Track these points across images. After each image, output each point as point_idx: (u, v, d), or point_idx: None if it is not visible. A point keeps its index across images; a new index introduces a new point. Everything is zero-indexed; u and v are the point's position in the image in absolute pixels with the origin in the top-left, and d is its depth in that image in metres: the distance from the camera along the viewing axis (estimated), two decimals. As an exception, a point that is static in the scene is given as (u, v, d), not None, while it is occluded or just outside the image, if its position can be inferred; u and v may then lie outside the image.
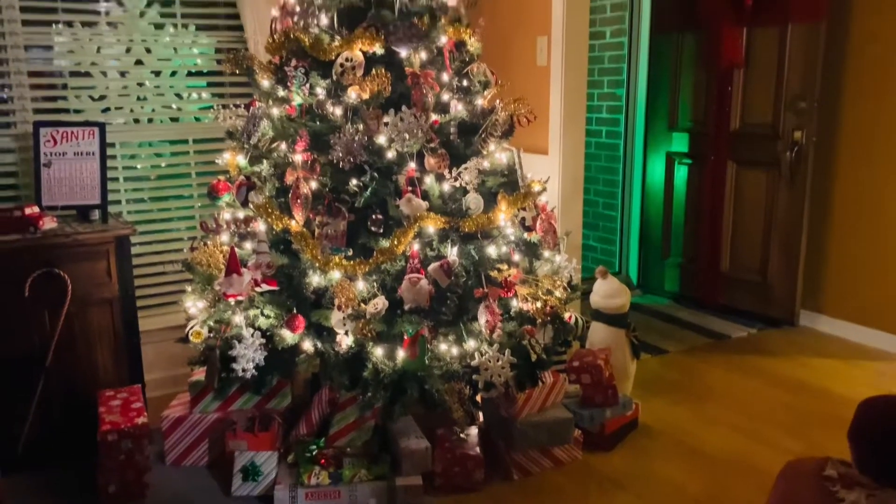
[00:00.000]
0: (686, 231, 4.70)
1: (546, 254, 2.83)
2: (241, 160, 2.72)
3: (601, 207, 5.27)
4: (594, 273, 3.25)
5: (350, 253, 2.47)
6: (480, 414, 2.81)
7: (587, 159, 3.67)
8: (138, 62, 3.27)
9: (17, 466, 2.65)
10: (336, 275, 2.43)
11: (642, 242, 5.03)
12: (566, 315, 2.82)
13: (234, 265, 2.48)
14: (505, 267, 2.57)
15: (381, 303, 2.41)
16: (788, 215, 4.15)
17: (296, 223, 2.48)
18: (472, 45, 2.82)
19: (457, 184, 2.57)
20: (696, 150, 4.58)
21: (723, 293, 4.51)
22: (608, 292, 3.21)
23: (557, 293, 2.71)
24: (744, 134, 4.31)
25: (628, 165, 5.05)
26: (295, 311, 2.48)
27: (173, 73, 3.36)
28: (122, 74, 3.25)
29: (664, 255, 4.83)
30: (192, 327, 2.62)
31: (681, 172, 4.70)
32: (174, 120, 3.41)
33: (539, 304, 2.65)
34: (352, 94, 2.51)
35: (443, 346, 2.47)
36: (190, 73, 3.41)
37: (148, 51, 3.28)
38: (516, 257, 2.71)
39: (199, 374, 2.72)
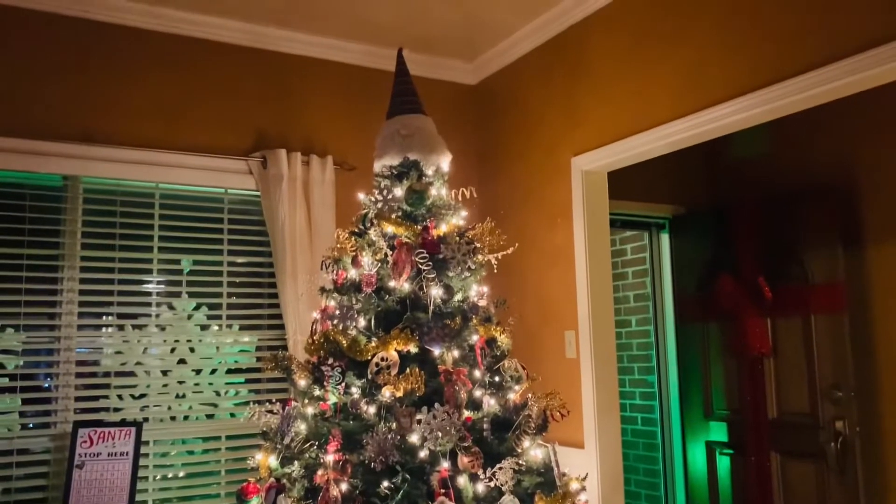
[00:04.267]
0: (736, 527, 4.39)
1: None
2: (273, 461, 2.69)
3: (643, 500, 5.00)
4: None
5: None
6: None
7: (624, 447, 3.58)
8: (181, 361, 3.40)
9: None
10: None
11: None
12: None
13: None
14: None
15: None
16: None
17: None
18: (503, 341, 2.90)
19: (491, 484, 2.49)
20: (735, 439, 4.45)
21: None
22: None
23: None
24: (783, 423, 4.21)
25: (667, 453, 4.88)
26: None
27: (213, 371, 3.47)
28: (164, 373, 3.37)
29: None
30: None
31: (723, 463, 4.51)
32: (209, 416, 3.45)
33: None
34: (386, 393, 2.54)
35: None
36: (229, 370, 3.53)
37: (192, 350, 3.43)
38: (557, 565, 2.52)
39: None
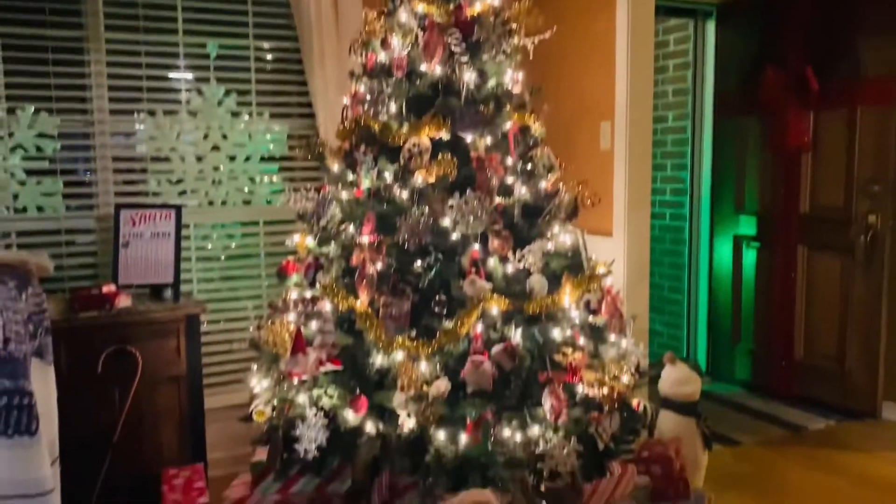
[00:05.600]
0: (756, 316, 4.55)
1: (612, 338, 2.76)
2: (310, 241, 2.78)
3: (667, 291, 5.17)
4: (662, 359, 3.15)
5: (413, 334, 2.47)
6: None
7: (651, 242, 3.63)
8: (215, 148, 3.42)
9: (80, 543, 2.66)
10: (399, 355, 2.42)
11: (711, 327, 4.89)
12: (634, 402, 2.73)
13: (299, 344, 2.50)
14: (570, 350, 2.52)
15: (443, 385, 2.37)
16: (865, 302, 3.98)
17: (360, 303, 2.49)
18: (536, 129, 2.86)
19: (521, 265, 2.56)
20: (764, 233, 4.49)
21: (798, 382, 4.32)
22: (678, 379, 3.10)
23: (625, 379, 2.63)
24: (814, 217, 4.21)
25: (694, 248, 4.97)
26: (358, 391, 2.47)
27: (247, 159, 3.50)
28: (199, 159, 3.40)
29: (734, 342, 4.68)
30: (255, 406, 2.63)
31: (749, 256, 4.59)
32: (246, 203, 3.53)
33: (605, 391, 2.57)
34: (418, 178, 2.56)
35: (506, 432, 2.41)
36: (263, 159, 3.55)
37: (224, 137, 3.43)
38: (581, 341, 2.66)
39: (261, 454, 2.72)
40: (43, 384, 1.63)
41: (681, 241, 5.03)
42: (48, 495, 1.56)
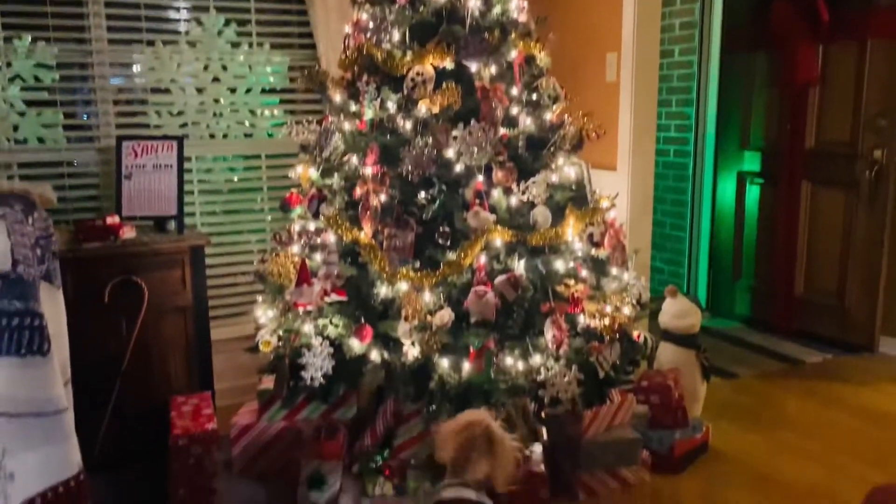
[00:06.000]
0: (758, 252, 4.57)
1: (614, 271, 2.78)
2: (314, 173, 2.77)
3: (669, 228, 5.16)
4: (663, 293, 3.18)
5: (417, 265, 2.48)
6: (545, 431, 2.76)
7: (655, 178, 3.62)
8: (215, 79, 3.38)
9: (92, 467, 2.72)
10: (403, 286, 2.44)
11: (712, 264, 4.91)
12: (635, 333, 2.77)
13: (304, 276, 2.53)
14: (572, 282, 2.54)
15: (447, 315, 2.40)
16: (867, 237, 3.99)
17: (364, 235, 2.50)
18: (542, 59, 2.82)
19: (524, 197, 2.56)
20: (768, 169, 4.47)
21: (797, 317, 4.36)
22: (678, 312, 3.14)
23: (626, 310, 2.66)
24: (819, 153, 4.18)
25: (697, 185, 4.95)
26: (363, 321, 2.50)
27: (248, 91, 3.46)
28: (199, 91, 3.36)
29: (735, 277, 4.71)
30: (261, 336, 2.67)
31: (753, 192, 4.58)
32: (248, 136, 3.51)
33: (606, 321, 2.60)
34: (422, 108, 2.53)
35: (508, 360, 2.45)
36: (264, 91, 3.51)
37: (224, 68, 3.39)
38: (584, 273, 2.67)
39: (268, 382, 2.77)
40: (52, 307, 1.64)
41: (684, 177, 5.00)
42: (62, 414, 1.60)
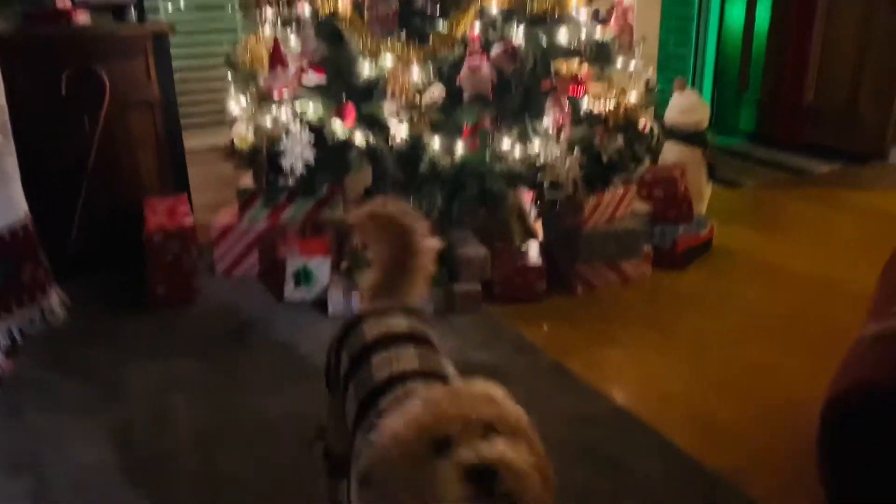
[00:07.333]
0: (767, 65, 4.30)
1: (620, 59, 2.54)
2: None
3: (672, 45, 4.84)
4: (672, 87, 2.96)
5: (403, 37, 2.23)
6: (540, 231, 2.61)
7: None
8: None
9: (67, 273, 2.59)
10: (388, 61, 2.20)
11: (717, 79, 4.64)
12: (641, 122, 2.56)
13: (278, 57, 2.28)
14: (576, 61, 2.30)
15: (437, 91, 2.18)
16: (886, 37, 3.72)
17: (342, 5, 2.23)
18: None
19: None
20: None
21: (804, 129, 4.16)
22: (685, 107, 2.93)
23: (632, 96, 2.45)
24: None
25: (704, 4, 4.59)
26: (344, 101, 2.28)
27: None
28: None
29: (741, 88, 4.45)
30: (236, 133, 2.46)
31: (763, 12, 4.24)
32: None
33: (612, 105, 2.39)
34: None
35: (505, 144, 2.25)
36: None
37: None
38: (588, 53, 2.43)
39: (247, 180, 2.59)
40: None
41: (689, 1, 4.63)
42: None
